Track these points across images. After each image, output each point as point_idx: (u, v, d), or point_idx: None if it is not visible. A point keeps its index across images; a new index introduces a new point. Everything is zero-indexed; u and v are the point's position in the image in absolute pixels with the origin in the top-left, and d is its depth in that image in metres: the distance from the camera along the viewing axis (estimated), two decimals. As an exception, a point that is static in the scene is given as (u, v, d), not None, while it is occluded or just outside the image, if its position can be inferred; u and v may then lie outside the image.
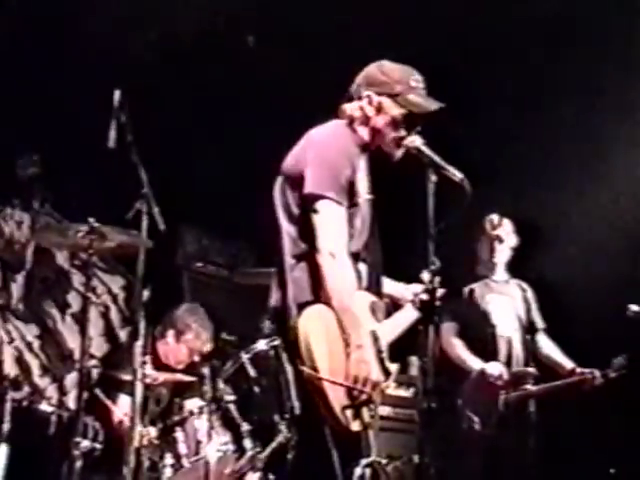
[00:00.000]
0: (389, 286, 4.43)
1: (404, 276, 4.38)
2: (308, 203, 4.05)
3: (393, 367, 4.17)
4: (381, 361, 4.09)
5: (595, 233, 7.26)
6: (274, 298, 4.13)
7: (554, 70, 6.99)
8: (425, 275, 4.07)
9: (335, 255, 3.94)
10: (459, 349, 6.34)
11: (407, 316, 4.35)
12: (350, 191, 4.11)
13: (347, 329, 3.92)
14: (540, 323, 6.65)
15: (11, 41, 6.61)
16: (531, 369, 6.38)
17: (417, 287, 4.32)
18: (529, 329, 6.58)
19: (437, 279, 3.93)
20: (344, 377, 3.89)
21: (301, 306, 3.97)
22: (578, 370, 6.30)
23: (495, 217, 6.56)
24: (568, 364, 6.42)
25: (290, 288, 4.03)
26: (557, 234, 7.41)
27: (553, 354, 6.54)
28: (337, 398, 3.86)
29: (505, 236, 6.56)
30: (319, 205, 4.01)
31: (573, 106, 7.07)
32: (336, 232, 4.01)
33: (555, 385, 6.32)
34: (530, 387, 6.30)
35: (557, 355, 6.52)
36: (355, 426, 3.92)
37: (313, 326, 3.90)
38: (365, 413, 3.96)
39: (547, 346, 6.58)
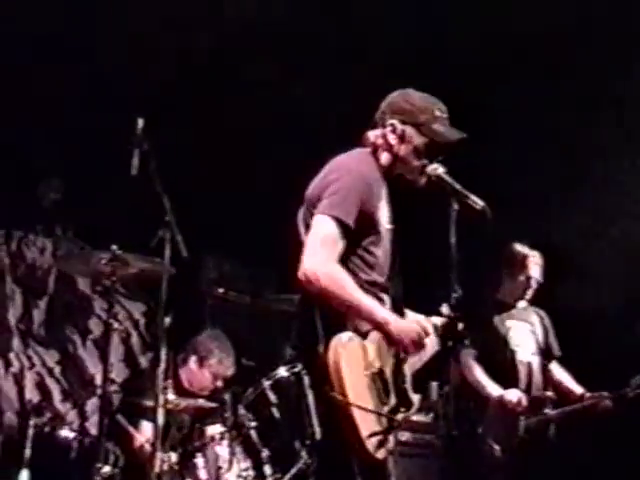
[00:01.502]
0: (410, 318, 4.43)
1: (425, 305, 4.38)
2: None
3: (416, 398, 4.17)
4: (404, 391, 4.10)
5: (617, 258, 7.27)
6: (300, 324, 4.14)
7: (578, 94, 6.98)
8: (444, 309, 4.08)
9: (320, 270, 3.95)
10: (478, 375, 6.32)
11: (429, 348, 4.35)
12: (370, 219, 4.12)
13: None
14: (557, 350, 6.66)
15: (33, 68, 6.66)
16: (549, 393, 6.38)
17: (438, 320, 4.33)
18: (546, 355, 6.59)
19: (457, 312, 3.93)
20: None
21: (329, 332, 3.96)
22: (587, 395, 6.33)
23: (520, 245, 6.55)
24: (578, 390, 6.45)
25: (317, 315, 4.04)
26: (577, 259, 7.41)
27: (565, 381, 6.54)
28: (365, 425, 3.86)
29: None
30: (318, 218, 4.04)
31: (600, 129, 7.06)
32: (324, 246, 4.00)
33: (573, 409, 6.32)
34: (549, 411, 6.29)
35: (569, 382, 6.53)
36: (380, 454, 3.91)
37: (344, 353, 3.89)
38: (390, 441, 3.97)
39: (560, 374, 6.59)
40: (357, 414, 3.83)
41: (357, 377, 3.91)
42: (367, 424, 3.87)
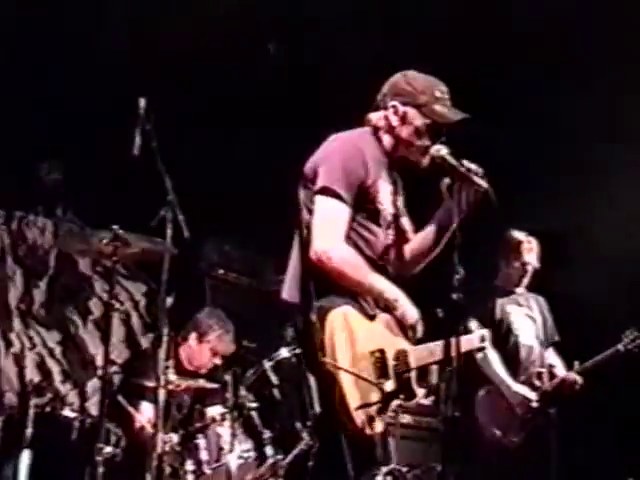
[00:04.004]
0: None
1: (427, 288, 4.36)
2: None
3: (420, 392, 4.12)
4: (407, 380, 4.06)
5: (615, 246, 7.27)
6: (296, 296, 4.12)
7: (577, 84, 6.96)
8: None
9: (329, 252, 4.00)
10: (494, 365, 6.30)
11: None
12: (364, 192, 4.13)
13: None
14: (555, 336, 6.69)
15: (36, 49, 6.64)
16: (543, 369, 6.42)
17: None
18: (545, 340, 6.61)
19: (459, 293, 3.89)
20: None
21: (321, 299, 3.99)
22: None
23: (516, 232, 6.57)
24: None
25: (311, 285, 4.03)
26: (577, 246, 7.42)
27: (557, 371, 6.55)
28: (354, 397, 3.83)
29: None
30: (320, 198, 4.07)
31: (596, 117, 7.05)
32: (331, 228, 4.05)
33: (559, 380, 6.38)
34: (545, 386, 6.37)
35: (558, 370, 6.55)
36: (369, 430, 3.88)
37: (339, 323, 3.91)
38: (382, 419, 3.93)
39: (554, 362, 6.60)
40: (347, 384, 3.82)
41: (351, 350, 3.90)
42: (357, 396, 3.85)
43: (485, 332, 4.45)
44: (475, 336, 4.47)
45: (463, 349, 3.96)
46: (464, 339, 4.19)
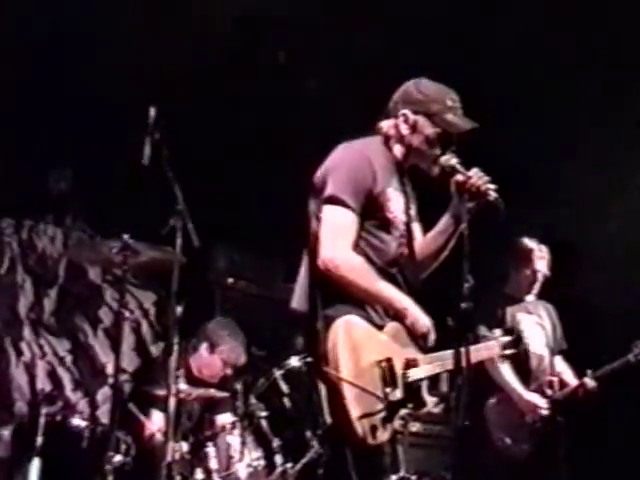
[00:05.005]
0: None
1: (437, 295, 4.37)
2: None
3: (430, 400, 4.13)
4: (417, 389, 4.06)
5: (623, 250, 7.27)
6: (304, 305, 4.13)
7: (586, 85, 6.97)
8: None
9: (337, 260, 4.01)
10: (505, 373, 6.31)
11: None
12: (373, 201, 4.14)
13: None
14: (563, 344, 6.71)
15: (45, 56, 6.66)
16: (554, 378, 6.40)
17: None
18: (554, 348, 6.61)
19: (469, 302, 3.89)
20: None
21: (327, 308, 4.00)
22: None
23: (526, 240, 6.58)
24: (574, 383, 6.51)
25: (318, 294, 4.05)
26: (586, 252, 7.43)
27: (565, 375, 6.57)
28: (357, 406, 3.82)
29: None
30: (328, 207, 4.08)
31: (605, 120, 7.04)
32: (339, 236, 4.06)
33: (575, 386, 6.39)
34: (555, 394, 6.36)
35: (567, 376, 6.56)
36: (373, 440, 3.86)
37: (344, 334, 3.90)
38: (388, 429, 3.93)
39: (563, 369, 6.60)
40: (349, 393, 3.81)
41: (355, 359, 3.89)
42: (359, 406, 3.83)
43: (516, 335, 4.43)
44: (496, 343, 4.45)
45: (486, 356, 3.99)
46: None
